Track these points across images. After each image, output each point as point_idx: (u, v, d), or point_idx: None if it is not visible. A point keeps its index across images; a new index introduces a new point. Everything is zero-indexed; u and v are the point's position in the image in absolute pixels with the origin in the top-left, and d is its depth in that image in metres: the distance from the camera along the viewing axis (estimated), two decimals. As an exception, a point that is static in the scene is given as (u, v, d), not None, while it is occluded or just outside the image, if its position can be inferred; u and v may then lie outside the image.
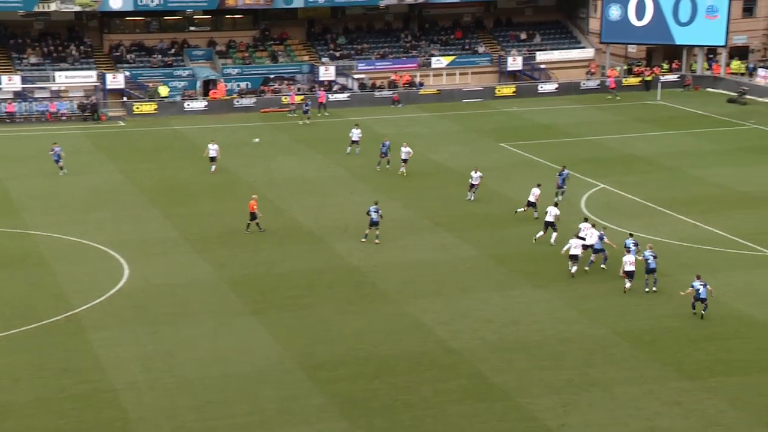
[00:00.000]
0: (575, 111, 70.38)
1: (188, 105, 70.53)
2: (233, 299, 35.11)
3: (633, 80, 78.38)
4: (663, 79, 77.21)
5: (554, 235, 39.95)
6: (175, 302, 34.87)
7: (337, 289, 36.07)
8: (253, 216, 42.41)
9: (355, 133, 56.37)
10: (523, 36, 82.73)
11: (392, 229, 42.56)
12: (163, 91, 71.13)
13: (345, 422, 26.22)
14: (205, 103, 70.99)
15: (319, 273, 37.65)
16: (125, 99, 70.45)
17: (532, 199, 43.72)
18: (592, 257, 37.48)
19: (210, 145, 53.26)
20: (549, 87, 76.57)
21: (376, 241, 39.93)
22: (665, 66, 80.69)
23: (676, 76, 78.86)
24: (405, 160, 51.56)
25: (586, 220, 39.32)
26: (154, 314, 33.76)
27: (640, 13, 78.04)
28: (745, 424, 25.78)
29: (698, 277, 32.69)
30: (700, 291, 32.30)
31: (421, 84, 76.87)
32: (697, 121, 66.47)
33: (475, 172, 46.77)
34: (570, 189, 47.25)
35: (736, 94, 73.05)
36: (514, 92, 75.60)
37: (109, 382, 28.66)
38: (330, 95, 71.95)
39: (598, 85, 77.18)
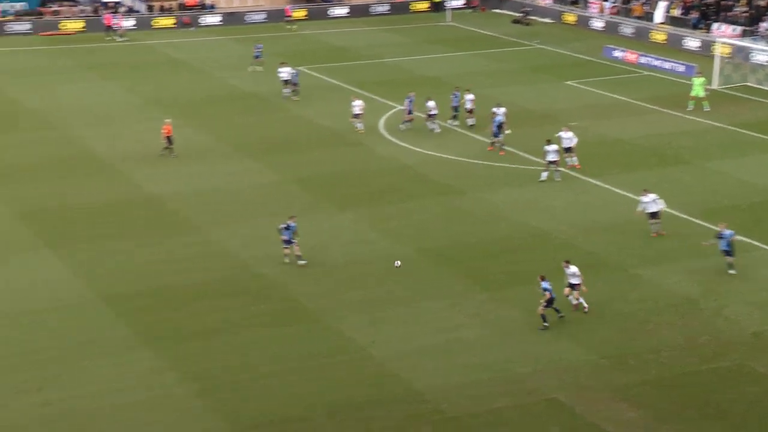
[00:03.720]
0: (368, 34, 70.80)
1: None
2: (24, 233, 33.45)
3: (423, 4, 79.34)
4: (453, 2, 78.78)
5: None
6: (-39, 239, 32.89)
7: (137, 218, 35.07)
8: (169, 140, 40.79)
9: (284, 72, 51.72)
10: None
11: (191, 156, 41.67)
12: None
13: (150, 351, 25.81)
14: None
15: (116, 204, 36.43)
16: None
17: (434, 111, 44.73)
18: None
19: None
20: (341, 11, 76.47)
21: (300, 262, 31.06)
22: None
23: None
24: (357, 115, 45.44)
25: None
26: (-63, 253, 31.74)
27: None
28: (535, 330, 27.15)
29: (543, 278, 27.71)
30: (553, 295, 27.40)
31: (213, 6, 74.86)
32: (485, 41, 68.50)
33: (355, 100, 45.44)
34: (367, 113, 47.71)
35: (520, 15, 75.70)
36: (305, 16, 75.06)
37: None
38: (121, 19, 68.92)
39: (388, 10, 77.73)
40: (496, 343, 26.63)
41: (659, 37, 66.48)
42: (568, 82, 56.35)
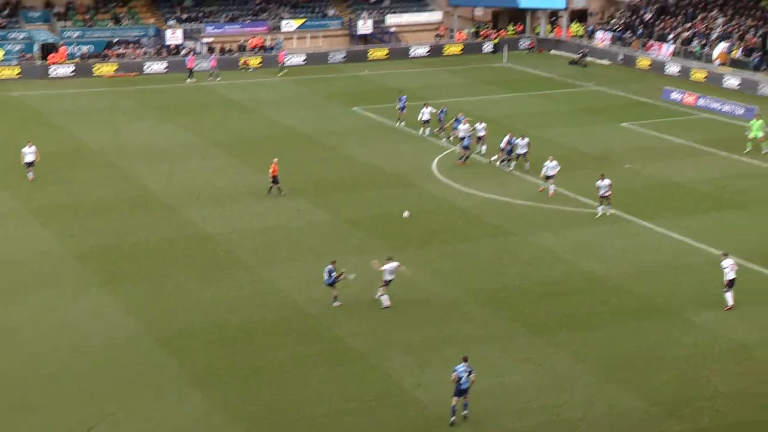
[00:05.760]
0: (424, 74, 71.20)
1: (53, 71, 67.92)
2: (82, 271, 34.06)
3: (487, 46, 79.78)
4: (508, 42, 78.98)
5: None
6: (19, 276, 33.55)
7: (192, 257, 35.52)
8: (275, 180, 41.66)
9: (426, 113, 51.60)
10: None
11: (245, 196, 42.17)
12: (-3, 54, 68.20)
13: (201, 391, 25.99)
14: (72, 68, 68.43)
15: (172, 241, 36.97)
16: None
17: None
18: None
19: (25, 149, 44.05)
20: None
21: (335, 303, 31.30)
22: (510, 29, 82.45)
23: (523, 40, 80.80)
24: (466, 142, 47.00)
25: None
26: (-4, 290, 32.44)
27: (485, -24, 79.41)
28: (587, 375, 27.01)
29: (465, 360, 25.19)
30: (462, 380, 24.71)
31: (271, 48, 76.04)
32: (541, 83, 68.45)
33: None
34: (420, 154, 47.87)
35: (577, 56, 75.60)
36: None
37: (-50, 362, 27.45)
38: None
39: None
40: (547, 388, 26.33)
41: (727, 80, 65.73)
42: (623, 124, 55.97)
